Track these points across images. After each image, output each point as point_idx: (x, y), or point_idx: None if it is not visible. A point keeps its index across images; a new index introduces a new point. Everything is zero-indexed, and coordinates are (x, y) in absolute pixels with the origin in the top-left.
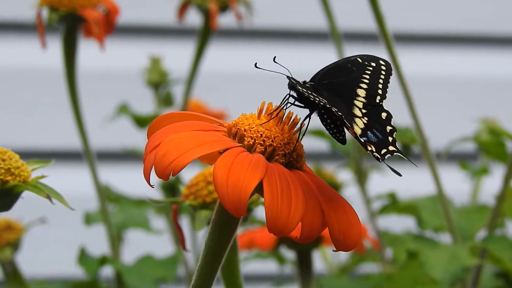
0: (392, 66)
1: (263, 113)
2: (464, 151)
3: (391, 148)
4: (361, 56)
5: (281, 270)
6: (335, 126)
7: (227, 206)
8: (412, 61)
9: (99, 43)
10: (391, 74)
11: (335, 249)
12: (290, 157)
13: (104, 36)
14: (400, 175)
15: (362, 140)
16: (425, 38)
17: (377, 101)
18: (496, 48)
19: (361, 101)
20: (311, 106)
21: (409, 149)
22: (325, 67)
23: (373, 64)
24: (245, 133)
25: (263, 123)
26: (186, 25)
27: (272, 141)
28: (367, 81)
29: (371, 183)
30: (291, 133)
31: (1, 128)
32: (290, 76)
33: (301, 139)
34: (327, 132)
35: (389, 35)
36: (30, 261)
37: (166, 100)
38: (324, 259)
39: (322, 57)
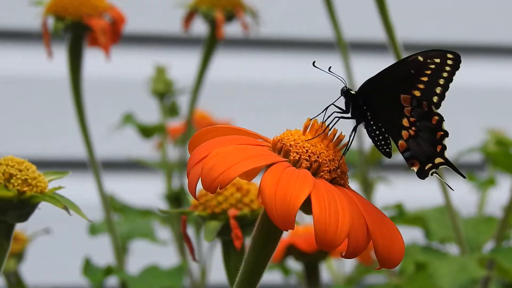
0: None
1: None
2: (471, 162)
3: (437, 161)
4: (423, 53)
5: (286, 281)
6: (383, 138)
7: (275, 219)
8: None
9: (105, 52)
10: (457, 68)
11: (379, 266)
12: (335, 173)
13: (110, 45)
14: (464, 177)
15: (406, 156)
16: (433, 48)
17: (435, 102)
18: (505, 58)
19: (410, 109)
20: (359, 116)
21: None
22: (375, 75)
23: (437, 61)
24: (290, 148)
25: (309, 140)
26: (192, 35)
27: (318, 157)
28: (423, 85)
29: (378, 193)
30: (336, 149)
31: (6, 136)
32: (344, 83)
33: (345, 155)
34: (373, 143)
35: (398, 44)
36: (35, 271)
37: (171, 110)
38: (330, 270)
39: (328, 66)
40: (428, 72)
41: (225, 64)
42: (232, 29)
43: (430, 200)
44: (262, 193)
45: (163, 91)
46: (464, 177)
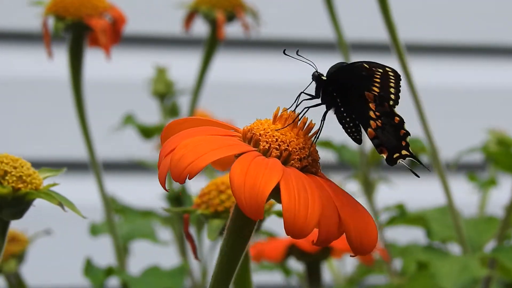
0: (403, 76)
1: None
2: (472, 162)
3: (403, 152)
4: (367, 62)
5: (287, 282)
6: (354, 125)
7: (245, 208)
8: (422, 72)
9: (106, 52)
10: (399, 85)
11: (352, 254)
12: (306, 161)
13: (110, 45)
14: (418, 176)
15: (374, 143)
16: (435, 49)
17: (391, 104)
18: (505, 59)
19: (373, 104)
20: (330, 103)
21: (418, 160)
22: (330, 69)
23: (380, 71)
24: (260, 137)
25: (279, 129)
26: (192, 35)
27: (288, 145)
28: (378, 85)
29: (379, 194)
30: (306, 137)
31: (7, 137)
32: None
33: (315, 142)
34: (343, 129)
35: (401, 45)
36: (36, 272)
37: (172, 111)
38: (331, 270)
39: (329, 67)
40: (377, 79)
41: (226, 64)
42: (232, 30)
43: (431, 200)
44: (231, 183)
45: (164, 92)
46: (418, 177)
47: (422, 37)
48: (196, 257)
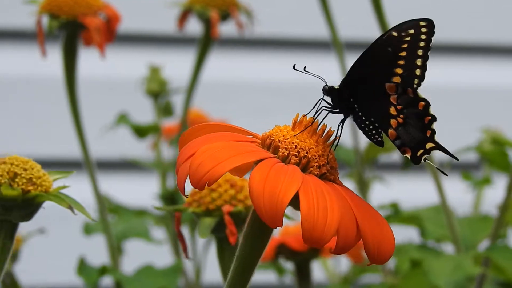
0: None
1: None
2: (466, 161)
3: (428, 145)
4: (396, 28)
5: (280, 281)
6: (374, 128)
7: (264, 216)
8: None
9: (100, 51)
10: (433, 34)
11: (369, 262)
12: (324, 169)
13: (105, 43)
14: (446, 174)
15: (397, 144)
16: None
17: (415, 85)
18: (500, 58)
19: (396, 97)
20: (347, 110)
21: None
22: (355, 62)
23: (411, 32)
24: (279, 144)
25: (297, 134)
26: (186, 34)
27: (307, 152)
28: (402, 62)
29: (373, 193)
30: (325, 145)
31: (1, 136)
32: (325, 81)
33: (334, 150)
34: (364, 134)
35: None
36: (29, 271)
37: (166, 110)
38: (326, 269)
39: (323, 66)
40: (405, 46)
41: (219, 63)
42: (227, 29)
43: (426, 199)
44: (250, 190)
45: (158, 91)
46: (446, 175)
47: None
48: (187, 256)
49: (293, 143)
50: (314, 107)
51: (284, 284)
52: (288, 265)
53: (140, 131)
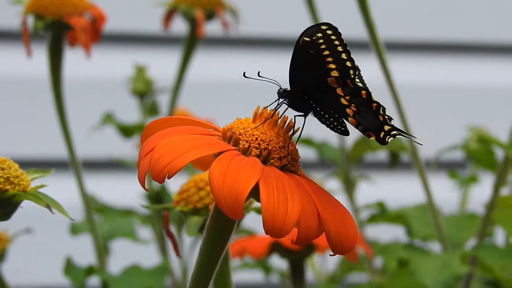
0: (383, 75)
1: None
2: (452, 159)
3: (386, 128)
4: (304, 34)
5: (267, 280)
6: (334, 119)
7: (224, 207)
8: (402, 69)
9: (85, 51)
10: (340, 34)
11: (332, 253)
12: (285, 160)
13: (90, 44)
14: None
15: (360, 129)
16: (415, 47)
17: (352, 76)
18: (485, 57)
19: (340, 89)
20: (305, 109)
21: (398, 157)
22: (290, 66)
23: (320, 35)
24: (240, 136)
25: (258, 126)
26: (172, 33)
27: (267, 144)
28: (331, 59)
29: (359, 191)
30: (286, 136)
31: None
32: (279, 85)
33: (296, 142)
34: (327, 127)
35: (380, 43)
36: (16, 271)
37: (152, 109)
38: (313, 268)
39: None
40: (323, 46)
41: (205, 63)
42: (212, 28)
43: (412, 198)
44: (210, 182)
45: (143, 91)
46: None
47: (401, 35)
48: (178, 254)
49: (253, 135)
50: (276, 100)
51: (270, 283)
52: (275, 264)
53: (126, 131)
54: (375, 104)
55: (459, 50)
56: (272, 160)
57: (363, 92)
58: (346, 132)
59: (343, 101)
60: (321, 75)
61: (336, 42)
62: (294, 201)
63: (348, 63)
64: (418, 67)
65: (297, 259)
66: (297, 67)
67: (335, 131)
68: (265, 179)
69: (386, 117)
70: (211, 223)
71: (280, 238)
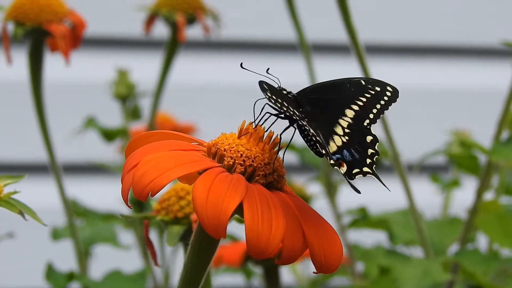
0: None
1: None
2: (434, 163)
3: (365, 169)
4: (365, 79)
5: (248, 284)
6: (316, 140)
7: (206, 227)
8: (383, 73)
9: (65, 58)
10: (394, 101)
11: (315, 270)
12: (271, 177)
13: (70, 50)
14: (359, 192)
15: (334, 158)
16: (396, 50)
17: (365, 124)
18: (468, 60)
19: (346, 121)
20: (290, 117)
21: (379, 163)
22: (320, 83)
23: (377, 89)
24: (225, 153)
25: (243, 144)
26: (153, 38)
27: (252, 161)
28: (361, 103)
29: (341, 196)
30: (271, 153)
31: None
32: (263, 81)
33: (282, 158)
34: (306, 143)
35: (361, 47)
36: None
37: (134, 113)
38: (294, 272)
39: (290, 68)
40: (368, 95)
41: (187, 66)
42: (193, 32)
43: (395, 202)
44: (193, 200)
45: (125, 94)
46: (359, 193)
47: (382, 38)
48: (156, 263)
49: (238, 151)
50: (260, 114)
51: (252, 286)
52: (257, 269)
53: (108, 135)
54: (373, 152)
55: (441, 53)
56: (257, 177)
57: (370, 138)
58: (321, 154)
59: (339, 130)
60: (342, 102)
61: (382, 102)
62: (279, 221)
63: (371, 115)
64: (399, 70)
65: (272, 266)
66: (326, 87)
67: (311, 148)
68: (249, 198)
69: (372, 162)
70: (195, 239)
71: (264, 257)
